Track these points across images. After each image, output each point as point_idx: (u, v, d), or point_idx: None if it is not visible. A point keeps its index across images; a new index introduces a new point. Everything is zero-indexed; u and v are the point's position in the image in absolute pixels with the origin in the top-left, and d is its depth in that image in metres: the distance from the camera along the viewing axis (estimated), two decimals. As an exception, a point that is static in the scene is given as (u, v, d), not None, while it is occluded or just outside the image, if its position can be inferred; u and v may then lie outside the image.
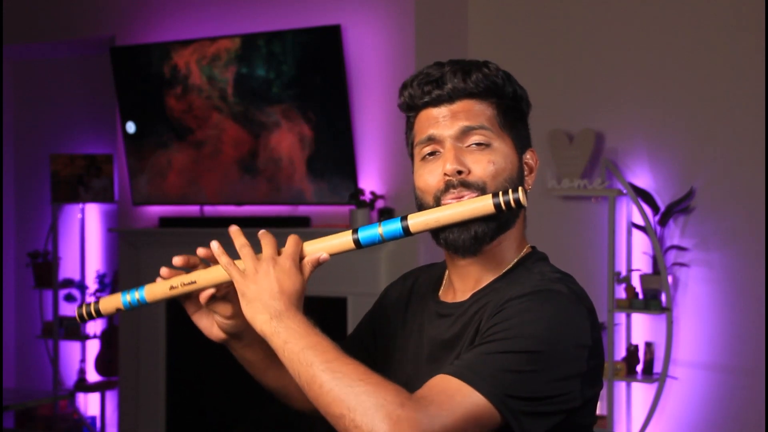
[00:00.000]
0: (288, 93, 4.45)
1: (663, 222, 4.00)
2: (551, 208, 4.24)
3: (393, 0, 4.28)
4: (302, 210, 4.55)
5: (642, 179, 4.10)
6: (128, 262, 4.96)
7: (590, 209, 4.20)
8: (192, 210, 4.85)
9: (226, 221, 4.67)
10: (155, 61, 4.79)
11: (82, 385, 5.48)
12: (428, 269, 1.57)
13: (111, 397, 5.58)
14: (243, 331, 1.44)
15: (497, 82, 1.37)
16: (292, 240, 1.33)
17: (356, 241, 1.33)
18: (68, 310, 5.63)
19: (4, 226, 5.77)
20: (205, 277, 1.37)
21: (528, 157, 1.42)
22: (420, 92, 1.38)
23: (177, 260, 1.39)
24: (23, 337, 5.90)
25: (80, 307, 1.44)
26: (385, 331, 1.53)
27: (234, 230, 1.35)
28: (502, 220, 1.35)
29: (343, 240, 1.34)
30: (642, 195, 4.02)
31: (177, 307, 1.59)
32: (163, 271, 1.39)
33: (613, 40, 4.17)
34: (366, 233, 1.33)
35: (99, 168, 5.44)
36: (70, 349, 5.72)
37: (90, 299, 5.29)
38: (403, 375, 1.42)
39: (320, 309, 4.30)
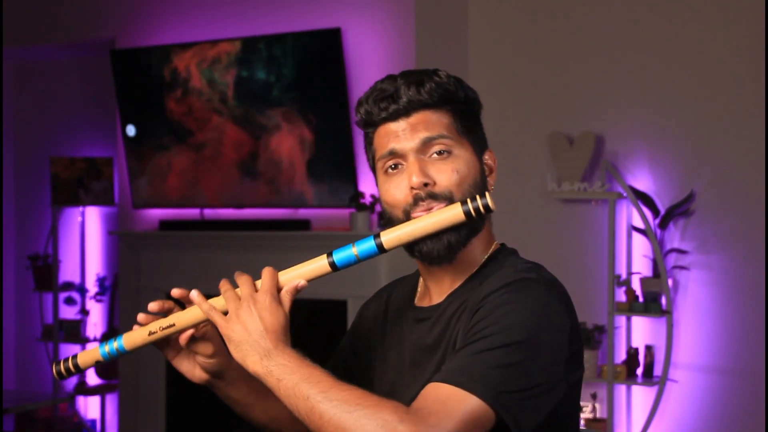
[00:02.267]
0: (288, 96, 4.45)
1: (663, 225, 4.00)
2: (551, 211, 4.24)
3: (393, 2, 4.28)
4: (302, 213, 4.55)
5: (642, 182, 4.10)
6: (128, 265, 4.95)
7: (590, 212, 4.20)
8: (192, 213, 4.85)
9: (226, 224, 4.67)
10: (155, 63, 4.80)
11: (82, 388, 5.48)
12: (401, 282, 1.60)
13: (111, 400, 5.57)
14: (225, 369, 1.45)
15: (450, 89, 1.38)
16: (266, 274, 1.33)
17: (332, 264, 1.34)
18: (68, 313, 5.64)
19: (4, 228, 5.77)
20: (183, 319, 1.37)
21: (487, 158, 1.43)
22: (376, 108, 1.39)
23: (152, 306, 1.39)
24: (23, 340, 5.90)
25: (58, 363, 1.43)
26: (364, 347, 1.56)
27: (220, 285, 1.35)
28: (472, 226, 1.36)
29: (318, 264, 1.34)
30: (642, 198, 4.01)
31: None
32: (141, 317, 1.39)
33: (614, 42, 4.17)
34: (341, 255, 1.34)
35: (99, 171, 5.44)
36: (70, 352, 5.71)
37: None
38: (385, 385, 1.43)
39: (320, 311, 4.30)
